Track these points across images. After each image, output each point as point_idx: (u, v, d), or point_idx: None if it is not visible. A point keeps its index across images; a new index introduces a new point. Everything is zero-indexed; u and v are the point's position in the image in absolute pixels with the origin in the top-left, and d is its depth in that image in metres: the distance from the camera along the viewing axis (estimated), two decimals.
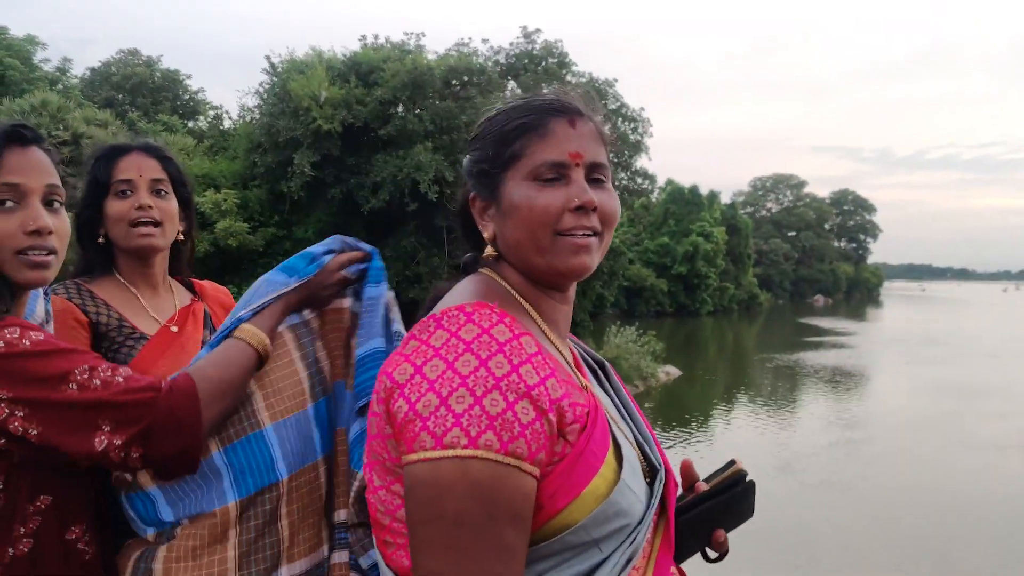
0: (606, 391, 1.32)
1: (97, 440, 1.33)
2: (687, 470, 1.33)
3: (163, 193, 1.93)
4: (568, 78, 23.59)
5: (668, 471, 1.24)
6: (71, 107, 31.00)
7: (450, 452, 0.97)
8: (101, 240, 1.93)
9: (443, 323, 1.07)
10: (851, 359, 27.71)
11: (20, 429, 1.31)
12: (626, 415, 1.30)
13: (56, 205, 1.49)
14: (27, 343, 1.33)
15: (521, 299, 1.21)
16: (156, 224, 1.90)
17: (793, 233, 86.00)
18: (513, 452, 0.98)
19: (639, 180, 24.45)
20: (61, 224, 1.48)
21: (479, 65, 20.90)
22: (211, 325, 2.01)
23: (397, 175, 17.82)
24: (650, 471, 1.22)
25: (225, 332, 1.58)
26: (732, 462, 1.31)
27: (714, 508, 1.26)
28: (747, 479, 1.28)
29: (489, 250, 1.25)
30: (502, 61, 23.66)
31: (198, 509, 1.52)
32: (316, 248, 1.73)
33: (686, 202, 52.56)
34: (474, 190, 1.26)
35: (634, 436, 1.25)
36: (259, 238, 21.40)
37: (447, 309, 1.09)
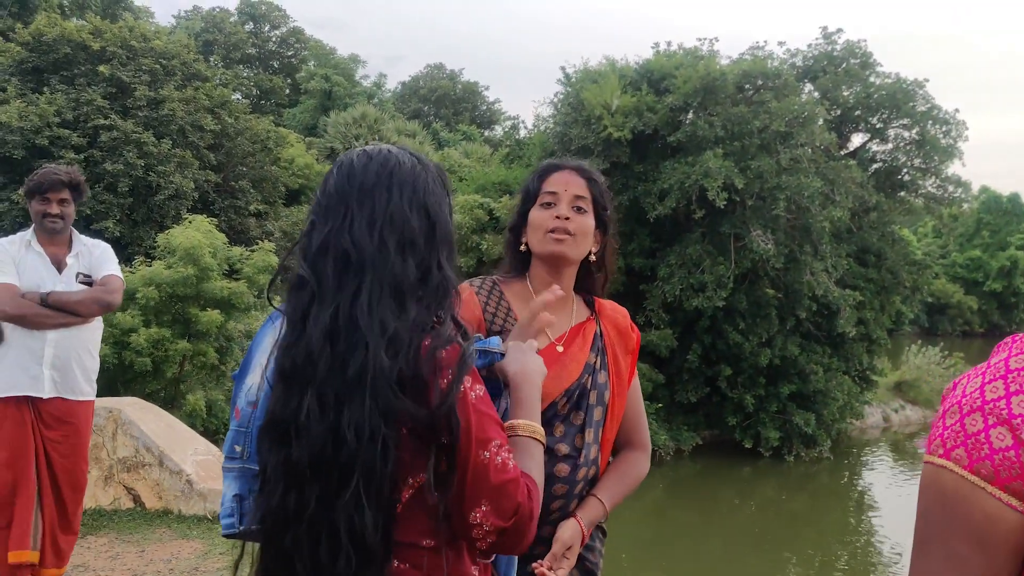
0: None
1: (473, 513, 1.35)
2: None
3: (582, 209, 2.00)
4: (871, 79, 22.13)
5: None
6: (385, 119, 34.09)
7: (931, 459, 1.06)
8: (523, 248, 2.05)
9: (1007, 344, 1.11)
10: None
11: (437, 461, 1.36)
12: None
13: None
14: (475, 396, 1.38)
15: None
16: (570, 235, 1.97)
17: None
18: (978, 471, 1.01)
19: (950, 188, 22.33)
20: None
21: (774, 69, 20.15)
22: (600, 344, 2.05)
23: (685, 182, 17.64)
24: None
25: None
26: None
27: None
28: None
29: None
30: (799, 64, 22.64)
31: None
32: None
33: (1004, 212, 47.65)
34: None
35: None
36: None
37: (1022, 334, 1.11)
